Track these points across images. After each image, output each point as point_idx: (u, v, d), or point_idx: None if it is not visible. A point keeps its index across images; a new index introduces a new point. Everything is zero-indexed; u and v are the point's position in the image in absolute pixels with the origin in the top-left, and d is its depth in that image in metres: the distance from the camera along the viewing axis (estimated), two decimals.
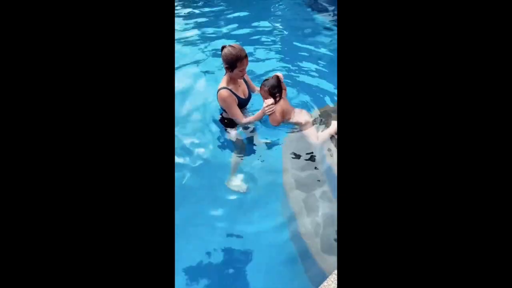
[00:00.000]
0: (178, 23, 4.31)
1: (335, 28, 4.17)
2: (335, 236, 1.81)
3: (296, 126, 2.39)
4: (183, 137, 2.46)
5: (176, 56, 3.24)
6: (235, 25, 4.31)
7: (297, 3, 5.11)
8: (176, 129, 2.48)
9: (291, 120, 2.36)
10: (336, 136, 2.25)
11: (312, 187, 2.06)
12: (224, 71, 2.22)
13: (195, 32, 4.15)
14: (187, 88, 2.97)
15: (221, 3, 5.08)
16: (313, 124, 2.37)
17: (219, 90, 2.21)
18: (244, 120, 2.30)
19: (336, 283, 1.28)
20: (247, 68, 2.23)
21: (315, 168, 2.18)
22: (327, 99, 2.85)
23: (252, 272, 1.74)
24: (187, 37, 3.98)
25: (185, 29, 4.19)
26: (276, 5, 5.07)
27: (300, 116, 2.37)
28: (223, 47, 2.14)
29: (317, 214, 1.91)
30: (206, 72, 3.24)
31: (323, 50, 3.73)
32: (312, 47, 3.79)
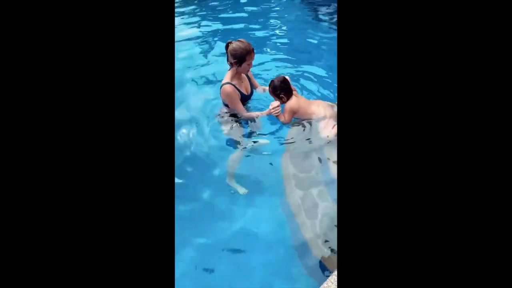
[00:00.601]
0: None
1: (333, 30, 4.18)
2: (335, 236, 1.80)
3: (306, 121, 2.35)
4: (182, 135, 2.46)
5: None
6: (232, 25, 4.32)
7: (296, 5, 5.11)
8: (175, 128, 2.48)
9: (306, 116, 2.32)
10: None
11: (311, 185, 2.05)
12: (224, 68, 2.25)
13: (191, 31, 4.16)
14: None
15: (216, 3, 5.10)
16: (331, 117, 2.30)
17: (222, 85, 2.24)
18: (246, 114, 2.32)
19: (336, 284, 1.27)
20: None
21: (315, 166, 2.18)
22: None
23: (252, 269, 1.73)
24: (183, 37, 3.98)
25: (181, 29, 4.19)
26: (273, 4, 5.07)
27: (318, 108, 2.31)
28: (228, 43, 2.18)
29: (317, 212, 1.91)
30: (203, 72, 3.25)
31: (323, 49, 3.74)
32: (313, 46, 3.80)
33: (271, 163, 2.25)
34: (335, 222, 1.85)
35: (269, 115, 2.33)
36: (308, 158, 2.22)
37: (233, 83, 2.25)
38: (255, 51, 2.20)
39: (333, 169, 2.11)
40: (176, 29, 4.07)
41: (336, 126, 2.24)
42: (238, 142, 2.33)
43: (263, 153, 2.32)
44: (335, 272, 1.33)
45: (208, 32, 4.17)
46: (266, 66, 3.35)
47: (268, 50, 3.72)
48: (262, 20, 4.54)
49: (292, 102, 2.32)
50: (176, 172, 2.12)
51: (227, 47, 2.23)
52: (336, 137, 2.21)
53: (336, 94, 2.87)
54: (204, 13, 4.81)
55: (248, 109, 2.46)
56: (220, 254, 1.80)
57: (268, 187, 2.14)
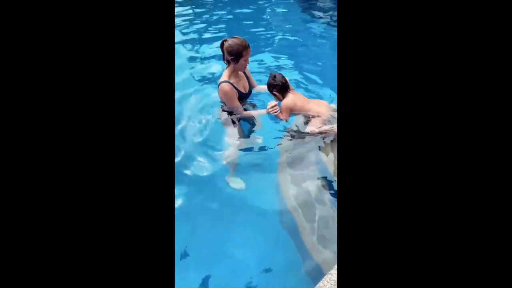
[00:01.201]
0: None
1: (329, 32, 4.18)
2: (331, 233, 1.81)
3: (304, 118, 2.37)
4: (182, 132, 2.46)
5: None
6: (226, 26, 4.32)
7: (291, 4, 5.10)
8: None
9: (304, 113, 2.34)
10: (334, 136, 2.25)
11: (308, 183, 2.05)
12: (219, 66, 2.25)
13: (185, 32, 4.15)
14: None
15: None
16: (327, 118, 2.32)
17: (220, 83, 2.24)
18: (244, 113, 2.33)
19: (332, 283, 1.28)
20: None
21: (311, 165, 2.18)
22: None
23: (249, 268, 1.73)
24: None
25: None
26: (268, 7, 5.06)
27: (315, 107, 2.33)
28: (223, 41, 2.19)
29: (314, 211, 1.91)
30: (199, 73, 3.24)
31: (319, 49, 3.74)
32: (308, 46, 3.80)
33: (268, 159, 2.26)
34: (331, 223, 1.86)
35: (268, 113, 2.33)
36: (303, 156, 2.23)
37: (230, 81, 2.25)
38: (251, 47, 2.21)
39: (328, 167, 2.12)
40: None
41: (324, 127, 2.25)
42: (234, 141, 2.33)
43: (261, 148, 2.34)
44: (331, 272, 1.34)
45: (202, 32, 4.16)
46: (263, 65, 3.35)
47: (265, 48, 3.72)
48: (257, 18, 4.54)
49: (288, 100, 2.33)
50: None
51: (222, 45, 2.23)
52: (320, 135, 2.25)
53: (331, 92, 2.88)
54: (201, 10, 4.79)
55: (247, 108, 2.46)
56: (216, 250, 1.81)
57: (264, 183, 2.16)
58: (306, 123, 2.33)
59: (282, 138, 2.36)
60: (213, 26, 4.32)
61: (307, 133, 2.27)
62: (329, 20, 4.45)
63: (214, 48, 3.61)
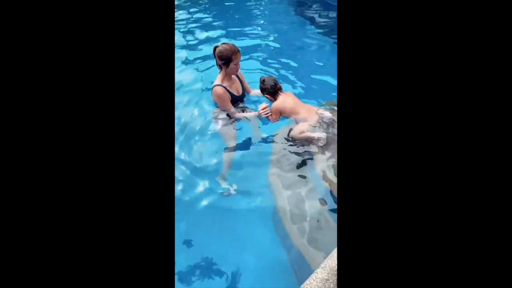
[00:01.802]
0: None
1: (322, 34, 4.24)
2: (321, 234, 1.84)
3: (294, 121, 2.41)
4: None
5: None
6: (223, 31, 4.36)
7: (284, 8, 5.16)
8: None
9: (292, 117, 2.39)
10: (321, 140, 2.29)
11: (299, 186, 2.09)
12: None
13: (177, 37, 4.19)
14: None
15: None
16: (315, 125, 2.37)
17: (213, 87, 2.34)
18: (237, 115, 2.40)
19: (318, 281, 1.30)
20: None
21: (302, 168, 2.21)
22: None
23: (240, 271, 1.76)
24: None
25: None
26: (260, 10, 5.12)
27: (304, 111, 2.37)
28: (215, 47, 2.30)
29: (305, 212, 1.94)
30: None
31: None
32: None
33: (260, 160, 2.29)
34: (322, 223, 1.89)
35: (259, 115, 2.38)
36: (295, 160, 2.26)
37: (223, 85, 2.34)
38: (241, 52, 2.31)
39: (318, 170, 2.15)
40: None
41: (309, 133, 2.30)
42: (229, 142, 2.37)
43: (255, 149, 2.37)
44: (317, 271, 1.36)
45: (196, 37, 4.21)
46: (255, 67, 3.40)
47: (257, 51, 3.77)
48: (249, 22, 4.59)
49: (278, 102, 2.39)
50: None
51: (214, 51, 2.33)
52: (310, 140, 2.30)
53: (325, 95, 2.93)
54: (194, 15, 4.84)
55: (241, 110, 2.52)
56: (208, 253, 1.83)
57: (257, 184, 2.18)
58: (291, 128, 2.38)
59: (274, 141, 2.40)
60: (202, 31, 4.38)
61: (291, 138, 2.33)
62: (322, 23, 4.50)
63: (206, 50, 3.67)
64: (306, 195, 2.05)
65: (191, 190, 2.14)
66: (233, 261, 1.79)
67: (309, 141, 2.31)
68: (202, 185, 2.17)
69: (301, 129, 2.31)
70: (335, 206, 1.95)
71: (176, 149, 2.36)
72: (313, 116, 2.35)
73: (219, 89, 2.32)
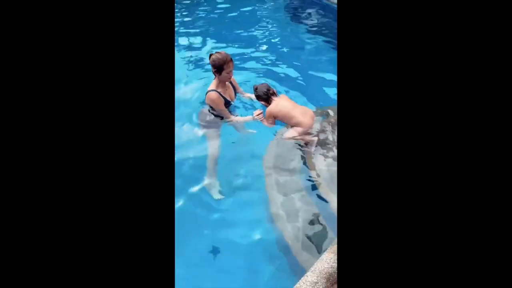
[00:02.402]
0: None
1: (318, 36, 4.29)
2: (315, 238, 1.87)
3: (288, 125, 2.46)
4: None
5: None
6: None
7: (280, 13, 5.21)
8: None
9: (286, 120, 2.45)
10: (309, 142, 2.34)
11: (292, 190, 2.12)
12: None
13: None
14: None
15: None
16: (308, 127, 2.41)
17: (208, 92, 2.49)
18: (232, 118, 2.54)
19: (308, 284, 1.33)
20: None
21: (297, 171, 2.24)
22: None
23: (234, 271, 1.79)
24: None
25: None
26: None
27: (299, 116, 2.41)
28: (210, 55, 2.44)
29: (297, 215, 1.97)
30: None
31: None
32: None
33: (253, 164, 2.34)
34: (315, 228, 1.92)
35: (254, 120, 2.48)
36: (288, 164, 2.30)
37: (218, 90, 2.48)
38: (233, 60, 2.44)
39: (315, 175, 2.18)
40: None
41: (303, 136, 2.33)
42: (214, 139, 2.47)
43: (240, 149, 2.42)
44: (307, 274, 1.39)
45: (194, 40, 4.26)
46: (251, 71, 3.45)
47: (253, 55, 3.82)
48: (246, 25, 4.65)
49: (271, 107, 2.46)
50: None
51: (209, 58, 2.45)
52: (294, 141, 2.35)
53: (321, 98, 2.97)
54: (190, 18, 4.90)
55: (232, 113, 2.62)
56: (204, 253, 1.86)
57: (250, 188, 2.22)
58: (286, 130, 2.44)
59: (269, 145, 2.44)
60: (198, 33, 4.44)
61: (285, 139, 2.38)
62: (318, 28, 4.55)
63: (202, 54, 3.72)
64: (299, 199, 2.08)
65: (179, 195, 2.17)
66: (226, 264, 1.82)
67: (302, 144, 2.35)
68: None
69: (293, 134, 2.36)
70: (328, 211, 1.98)
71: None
72: (307, 120, 2.39)
73: (213, 94, 2.47)
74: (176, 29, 4.54)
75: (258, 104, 2.65)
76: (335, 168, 2.19)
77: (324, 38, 4.22)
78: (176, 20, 4.87)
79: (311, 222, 1.93)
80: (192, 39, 4.28)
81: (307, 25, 4.66)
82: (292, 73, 3.46)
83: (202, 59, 3.70)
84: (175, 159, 2.35)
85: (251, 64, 3.63)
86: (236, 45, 4.08)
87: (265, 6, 5.38)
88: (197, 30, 4.58)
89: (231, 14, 5.08)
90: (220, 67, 2.40)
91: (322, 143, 2.38)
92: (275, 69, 3.55)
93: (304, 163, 2.28)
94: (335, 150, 2.31)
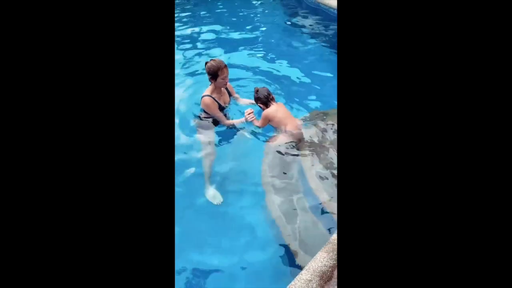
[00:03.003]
0: None
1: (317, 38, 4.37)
2: (311, 238, 1.92)
3: (282, 131, 2.53)
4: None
5: None
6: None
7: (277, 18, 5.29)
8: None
9: (278, 124, 2.54)
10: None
11: (290, 192, 2.17)
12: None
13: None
14: None
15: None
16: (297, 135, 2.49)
17: (202, 96, 2.59)
18: (226, 121, 2.64)
19: (302, 282, 1.38)
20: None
21: (291, 174, 2.30)
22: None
23: (234, 271, 1.83)
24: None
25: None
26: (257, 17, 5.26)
27: (291, 126, 2.51)
28: (206, 63, 2.54)
29: (295, 217, 2.03)
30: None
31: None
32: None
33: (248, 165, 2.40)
34: (311, 228, 1.98)
35: (246, 121, 2.60)
36: (284, 166, 2.36)
37: (213, 96, 2.58)
38: (228, 67, 2.53)
39: (310, 178, 2.24)
40: None
41: (281, 146, 2.44)
42: (209, 143, 2.54)
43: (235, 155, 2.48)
44: (301, 272, 1.44)
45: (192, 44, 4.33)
46: (248, 75, 3.52)
47: (252, 60, 3.88)
48: (243, 28, 4.72)
49: (269, 110, 2.55)
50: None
51: (205, 66, 2.56)
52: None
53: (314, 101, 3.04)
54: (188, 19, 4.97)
55: (226, 116, 2.71)
56: (204, 256, 1.90)
57: (247, 190, 2.27)
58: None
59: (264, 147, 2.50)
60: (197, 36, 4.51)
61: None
62: (316, 32, 4.63)
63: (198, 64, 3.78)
64: (297, 201, 2.13)
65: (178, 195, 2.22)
66: (224, 264, 1.86)
67: (296, 147, 2.42)
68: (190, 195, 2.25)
69: (283, 140, 2.46)
70: (323, 211, 2.04)
71: None
72: (296, 129, 2.51)
73: (207, 99, 2.58)
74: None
75: (254, 108, 2.72)
76: (331, 170, 2.25)
77: (322, 43, 4.30)
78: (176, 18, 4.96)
79: (307, 223, 1.99)
80: (188, 46, 4.36)
81: (305, 29, 4.73)
82: (290, 76, 3.52)
83: (198, 64, 3.77)
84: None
85: (248, 67, 3.70)
86: (233, 49, 4.15)
87: (264, 11, 5.46)
88: (195, 33, 4.65)
89: (229, 19, 5.16)
90: (215, 74, 2.50)
91: (318, 146, 2.44)
92: (273, 73, 3.61)
93: (300, 166, 2.34)
94: (332, 152, 2.38)
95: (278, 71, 3.63)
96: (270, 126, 2.59)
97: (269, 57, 3.98)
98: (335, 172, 2.22)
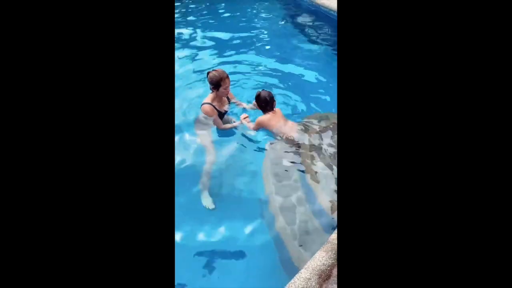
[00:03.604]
0: None
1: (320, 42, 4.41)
2: (310, 237, 1.96)
3: (278, 137, 2.59)
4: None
5: None
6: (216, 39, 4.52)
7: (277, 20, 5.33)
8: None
9: (271, 131, 2.62)
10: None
11: (289, 192, 2.21)
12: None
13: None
14: None
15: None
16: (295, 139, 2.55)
17: (202, 104, 2.66)
18: (223, 126, 2.75)
19: (301, 280, 1.42)
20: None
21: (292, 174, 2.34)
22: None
23: (234, 270, 1.87)
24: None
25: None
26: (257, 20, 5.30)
27: (286, 129, 2.58)
28: (208, 73, 2.61)
29: (294, 216, 2.07)
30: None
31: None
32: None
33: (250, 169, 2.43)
34: (310, 227, 2.01)
35: (242, 124, 2.71)
36: (284, 166, 2.40)
37: (213, 104, 2.67)
38: (229, 76, 2.61)
39: (310, 179, 2.28)
40: None
41: (280, 149, 2.51)
42: (208, 147, 2.59)
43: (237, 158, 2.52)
44: (301, 271, 1.48)
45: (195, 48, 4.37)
46: (247, 78, 3.55)
47: (250, 61, 3.92)
48: (243, 29, 4.76)
49: (262, 118, 2.65)
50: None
51: (207, 76, 2.63)
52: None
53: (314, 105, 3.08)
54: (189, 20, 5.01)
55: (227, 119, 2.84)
56: (203, 254, 1.95)
57: (247, 191, 2.31)
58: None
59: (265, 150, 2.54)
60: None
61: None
62: (319, 37, 4.67)
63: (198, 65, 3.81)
64: (296, 202, 2.17)
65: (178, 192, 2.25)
66: (223, 262, 1.90)
67: (297, 149, 2.46)
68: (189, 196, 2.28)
69: (282, 144, 2.53)
70: (322, 212, 2.08)
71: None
72: (293, 133, 2.57)
73: (207, 107, 2.66)
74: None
75: (249, 113, 2.81)
76: (330, 171, 2.30)
77: (322, 45, 4.34)
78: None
79: (306, 223, 2.03)
80: (188, 49, 4.39)
81: (304, 32, 4.77)
82: (290, 78, 3.56)
83: (198, 64, 3.81)
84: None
85: (248, 68, 3.74)
86: (233, 49, 4.19)
87: (264, 13, 5.50)
88: (194, 35, 4.69)
89: (228, 20, 5.20)
90: (217, 84, 2.58)
91: (318, 147, 2.49)
92: (272, 75, 3.64)
93: (301, 166, 2.38)
94: (332, 154, 2.42)
95: (277, 73, 3.67)
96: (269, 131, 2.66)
97: (268, 59, 4.01)
98: (335, 172, 2.26)
